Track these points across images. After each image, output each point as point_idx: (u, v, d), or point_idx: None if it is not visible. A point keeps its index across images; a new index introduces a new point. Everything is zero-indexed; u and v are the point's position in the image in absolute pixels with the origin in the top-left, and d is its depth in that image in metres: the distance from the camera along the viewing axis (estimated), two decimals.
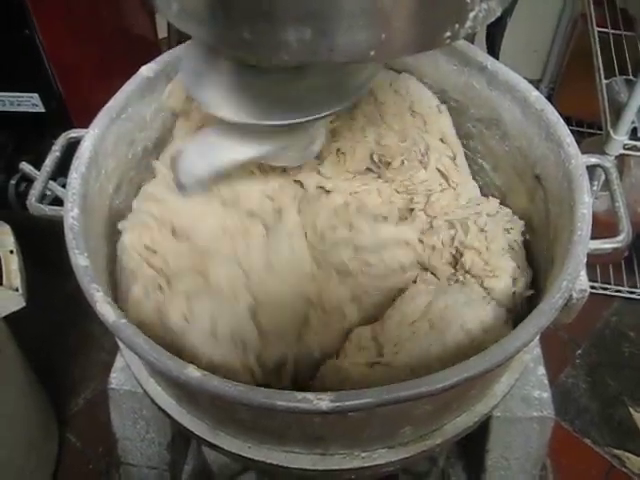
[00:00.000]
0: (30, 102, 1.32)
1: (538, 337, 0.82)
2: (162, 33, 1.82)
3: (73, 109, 1.33)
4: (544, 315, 0.58)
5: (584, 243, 0.63)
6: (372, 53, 0.41)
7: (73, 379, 1.49)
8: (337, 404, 0.53)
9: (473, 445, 0.99)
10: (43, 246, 1.32)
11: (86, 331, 1.53)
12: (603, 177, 1.33)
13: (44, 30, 1.21)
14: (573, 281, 0.60)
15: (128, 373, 0.87)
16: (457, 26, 0.42)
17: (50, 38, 1.23)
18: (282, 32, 0.40)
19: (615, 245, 0.69)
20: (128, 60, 0.78)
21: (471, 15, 0.42)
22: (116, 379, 0.88)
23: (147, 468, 0.96)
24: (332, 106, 0.60)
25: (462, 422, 0.71)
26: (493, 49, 1.30)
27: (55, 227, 0.67)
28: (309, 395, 0.53)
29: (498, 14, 0.44)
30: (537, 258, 0.78)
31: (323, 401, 0.53)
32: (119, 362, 0.89)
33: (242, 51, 0.42)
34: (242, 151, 0.70)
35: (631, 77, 1.31)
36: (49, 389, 1.38)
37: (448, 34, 0.42)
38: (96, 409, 1.40)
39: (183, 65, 0.65)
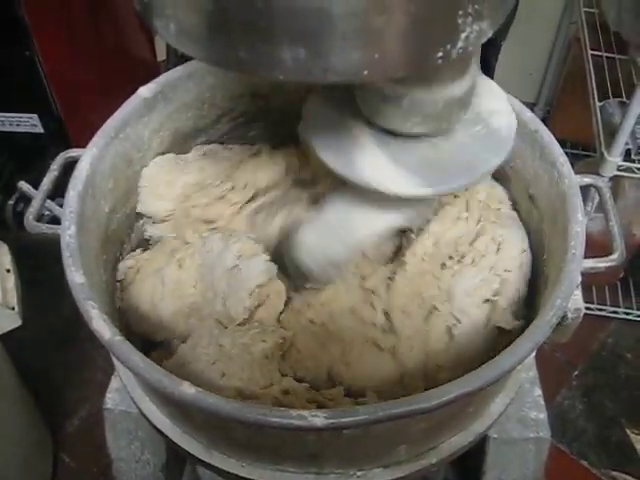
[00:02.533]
0: (29, 123, 1.33)
1: (534, 357, 0.82)
2: (161, 55, 1.84)
3: (72, 130, 1.34)
4: (539, 332, 0.58)
5: (578, 261, 0.63)
6: (365, 73, 0.41)
7: (68, 399, 1.48)
8: (332, 421, 0.53)
9: (469, 467, 0.99)
10: (40, 267, 1.33)
11: (82, 352, 1.53)
12: (597, 198, 1.34)
13: (44, 52, 1.22)
14: (567, 299, 0.61)
15: (124, 393, 0.87)
16: (449, 46, 0.43)
17: (50, 60, 1.24)
18: (278, 51, 0.40)
19: (609, 264, 0.69)
20: (127, 82, 0.80)
21: (463, 36, 0.43)
22: (112, 399, 0.88)
23: None
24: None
25: (458, 441, 0.71)
26: (488, 72, 1.31)
27: (51, 248, 0.67)
28: (304, 412, 0.53)
29: (489, 35, 0.45)
30: (532, 279, 0.78)
31: (318, 418, 0.53)
32: (115, 382, 0.89)
33: (239, 70, 0.42)
34: (382, 221, 0.68)
35: (624, 99, 1.32)
36: (44, 409, 1.37)
37: (440, 54, 0.42)
38: (91, 430, 1.40)
39: (315, 140, 0.64)
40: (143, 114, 0.80)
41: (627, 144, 1.23)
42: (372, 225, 0.69)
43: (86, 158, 0.72)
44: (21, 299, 0.95)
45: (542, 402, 0.88)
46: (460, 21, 0.42)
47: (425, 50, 0.42)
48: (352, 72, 0.41)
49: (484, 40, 0.45)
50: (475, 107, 0.65)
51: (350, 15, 0.38)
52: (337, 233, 0.69)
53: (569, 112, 1.79)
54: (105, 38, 1.51)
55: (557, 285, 0.62)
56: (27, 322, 1.00)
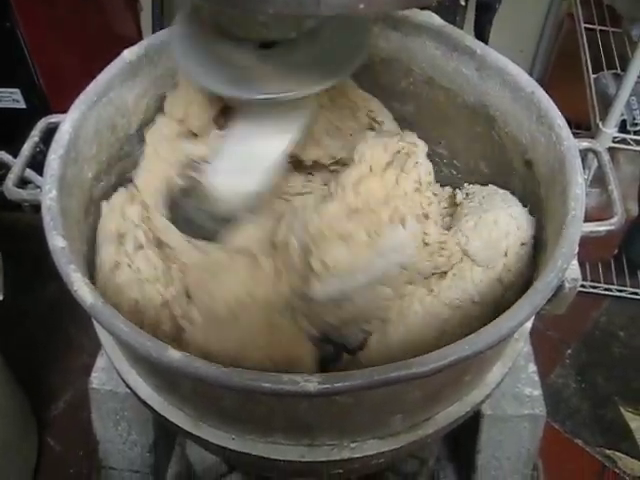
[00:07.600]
0: (11, 98, 1.30)
1: (529, 332, 0.80)
2: (147, 33, 1.81)
3: (55, 105, 1.31)
4: (539, 294, 0.57)
5: (578, 223, 0.61)
6: (361, 6, 0.39)
7: (53, 383, 1.45)
8: (325, 386, 0.51)
9: (463, 446, 0.98)
10: (23, 250, 1.30)
11: (67, 335, 1.50)
12: (592, 171, 1.33)
13: (26, 24, 1.20)
14: (568, 261, 0.59)
15: (110, 373, 0.85)
16: None
17: (32, 32, 1.22)
18: None
19: (609, 227, 0.67)
20: (112, 60, 0.78)
21: None
22: (97, 379, 0.87)
23: (129, 472, 0.94)
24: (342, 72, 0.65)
25: (454, 412, 0.69)
26: (482, 38, 1.29)
27: (36, 232, 0.65)
28: (296, 377, 0.51)
29: None
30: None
31: (311, 383, 0.50)
32: (100, 362, 0.88)
33: (226, 4, 0.40)
34: (278, 141, 0.67)
35: (619, 72, 1.31)
36: (29, 392, 1.35)
37: None
38: (76, 413, 1.37)
39: (186, 67, 0.66)
40: (127, 78, 0.78)
41: (622, 115, 1.21)
42: (273, 145, 0.68)
43: (68, 121, 0.70)
44: (2, 272, 0.93)
45: (537, 379, 0.87)
46: None
47: None
48: (346, 5, 0.39)
49: None
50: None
51: None
52: (244, 167, 0.69)
53: (561, 90, 1.75)
54: (90, 14, 1.48)
55: (557, 247, 0.60)
56: (10, 305, 0.98)
